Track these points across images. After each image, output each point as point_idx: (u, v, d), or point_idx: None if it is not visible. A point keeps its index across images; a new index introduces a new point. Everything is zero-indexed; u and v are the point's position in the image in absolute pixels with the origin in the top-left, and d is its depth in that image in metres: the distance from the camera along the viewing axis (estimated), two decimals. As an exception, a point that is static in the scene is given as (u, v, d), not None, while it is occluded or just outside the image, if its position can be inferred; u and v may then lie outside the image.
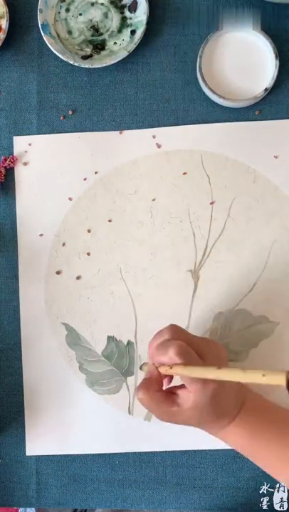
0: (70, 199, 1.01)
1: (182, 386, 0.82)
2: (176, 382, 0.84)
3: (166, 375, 0.84)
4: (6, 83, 1.03)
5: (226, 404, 0.83)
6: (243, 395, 0.87)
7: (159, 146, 1.00)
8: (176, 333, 0.84)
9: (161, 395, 0.83)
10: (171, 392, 0.83)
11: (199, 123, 1.00)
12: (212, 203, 0.99)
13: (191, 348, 0.81)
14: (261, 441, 0.85)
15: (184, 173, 1.00)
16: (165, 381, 0.85)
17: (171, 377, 0.86)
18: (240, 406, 0.86)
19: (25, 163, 1.01)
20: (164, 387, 0.85)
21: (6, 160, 1.01)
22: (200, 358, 0.81)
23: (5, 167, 1.01)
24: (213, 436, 0.95)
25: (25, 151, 1.01)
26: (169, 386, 0.85)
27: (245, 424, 0.85)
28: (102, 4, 1.01)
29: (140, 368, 0.88)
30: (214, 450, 0.99)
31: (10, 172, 1.02)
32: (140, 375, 0.98)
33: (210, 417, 0.83)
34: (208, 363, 0.82)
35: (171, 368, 0.80)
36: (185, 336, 0.85)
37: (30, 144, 1.01)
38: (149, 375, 0.84)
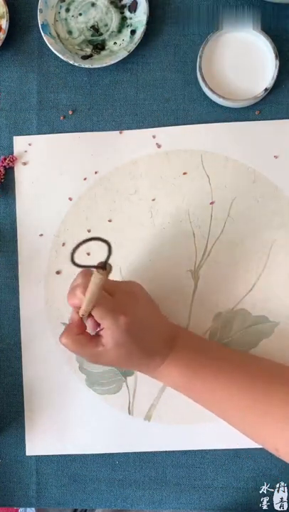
0: (70, 199, 1.00)
1: (104, 328, 0.84)
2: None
3: (88, 319, 0.85)
4: (6, 83, 1.03)
5: (150, 341, 0.86)
6: (174, 333, 0.90)
7: (159, 146, 1.00)
8: (86, 276, 0.84)
9: (84, 337, 0.85)
10: (97, 336, 0.85)
11: (199, 123, 1.00)
12: (212, 203, 0.99)
13: (105, 290, 0.83)
14: (196, 379, 0.88)
15: (184, 173, 1.00)
16: (90, 326, 0.86)
17: (95, 322, 0.86)
18: (170, 345, 0.88)
19: (25, 163, 1.01)
20: (93, 332, 0.86)
21: (5, 160, 1.01)
22: (110, 296, 0.84)
23: (4, 167, 1.01)
24: (213, 436, 0.95)
25: (25, 151, 1.01)
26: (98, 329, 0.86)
27: (179, 363, 0.88)
28: (103, 4, 1.01)
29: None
30: (214, 450, 0.99)
31: (10, 172, 1.02)
32: (140, 375, 0.98)
33: (137, 354, 0.85)
34: (116, 297, 0.84)
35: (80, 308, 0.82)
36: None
37: (30, 144, 1.01)
38: (71, 321, 0.86)
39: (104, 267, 0.71)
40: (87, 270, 0.85)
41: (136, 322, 0.83)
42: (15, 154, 1.01)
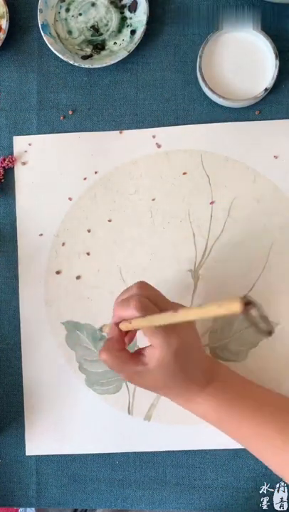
0: (70, 199, 1.01)
1: (149, 346, 0.81)
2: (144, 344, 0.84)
3: (127, 333, 0.84)
4: (6, 83, 1.03)
5: (193, 367, 0.83)
6: (213, 366, 0.88)
7: (159, 146, 1.00)
8: (142, 289, 0.83)
9: (125, 354, 0.83)
10: (138, 353, 0.83)
11: (199, 123, 1.00)
12: (212, 203, 0.99)
13: (157, 305, 0.81)
14: (232, 415, 0.85)
15: (184, 173, 1.00)
16: (126, 339, 0.85)
17: (132, 336, 0.86)
18: (209, 377, 0.85)
19: (25, 163, 1.01)
20: (126, 346, 0.85)
21: (4, 160, 1.01)
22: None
23: (3, 167, 1.01)
24: (213, 436, 0.95)
25: (25, 151, 1.01)
26: (137, 348, 0.86)
27: (215, 398, 0.85)
28: (103, 4, 1.01)
29: (100, 330, 0.90)
30: (214, 450, 0.99)
31: (10, 172, 1.02)
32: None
33: (177, 380, 0.82)
34: None
35: (130, 323, 0.80)
36: (152, 291, 0.84)
37: (30, 144, 1.01)
38: (111, 335, 0.84)
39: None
40: (143, 282, 0.85)
41: (185, 346, 0.81)
42: (15, 154, 1.01)
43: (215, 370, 0.87)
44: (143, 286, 0.84)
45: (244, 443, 0.87)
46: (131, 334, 0.86)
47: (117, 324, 0.84)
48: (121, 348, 0.83)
